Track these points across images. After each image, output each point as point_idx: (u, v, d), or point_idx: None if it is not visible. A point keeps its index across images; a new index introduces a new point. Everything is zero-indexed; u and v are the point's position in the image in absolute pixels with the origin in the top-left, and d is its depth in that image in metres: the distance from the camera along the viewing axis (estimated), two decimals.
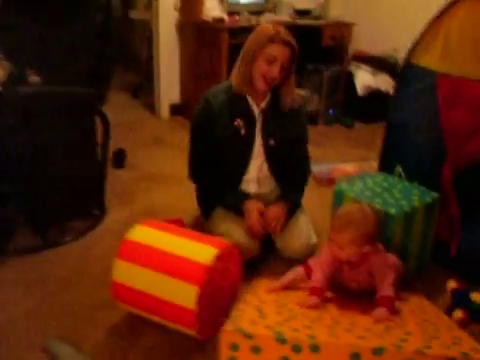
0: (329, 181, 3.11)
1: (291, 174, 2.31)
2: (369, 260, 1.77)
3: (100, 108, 2.36)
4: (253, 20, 3.78)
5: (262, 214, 2.16)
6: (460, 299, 1.77)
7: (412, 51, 2.21)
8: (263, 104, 2.18)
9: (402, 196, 2.11)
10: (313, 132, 2.44)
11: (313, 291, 1.75)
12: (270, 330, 1.36)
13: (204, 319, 1.66)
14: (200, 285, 1.61)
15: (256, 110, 2.18)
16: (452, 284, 1.84)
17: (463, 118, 2.01)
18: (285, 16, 4.02)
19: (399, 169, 2.33)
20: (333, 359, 1.33)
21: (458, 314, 1.70)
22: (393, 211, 1.97)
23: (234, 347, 1.34)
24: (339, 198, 2.15)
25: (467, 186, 2.11)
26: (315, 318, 1.55)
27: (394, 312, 1.66)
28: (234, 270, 1.86)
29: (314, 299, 1.72)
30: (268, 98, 2.19)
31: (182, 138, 3.70)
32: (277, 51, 2.01)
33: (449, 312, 1.77)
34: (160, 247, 1.73)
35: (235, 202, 2.20)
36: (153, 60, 4.13)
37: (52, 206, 2.27)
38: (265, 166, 2.26)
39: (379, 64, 4.21)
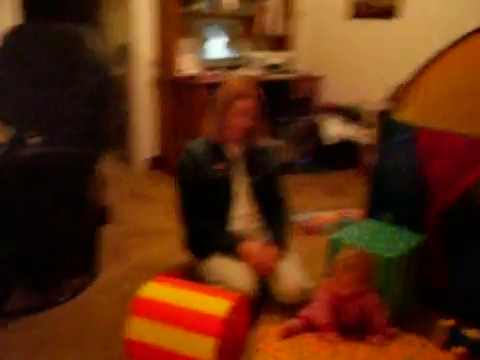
0: (313, 229, 3.22)
1: (276, 215, 2.48)
2: (363, 297, 2.02)
3: (96, 167, 2.41)
4: (228, 76, 3.95)
5: (261, 262, 2.26)
6: (455, 336, 1.87)
7: (393, 107, 2.41)
8: (240, 148, 2.41)
9: (393, 240, 2.24)
10: (288, 181, 2.62)
11: (327, 327, 1.94)
12: None
13: None
14: (216, 337, 1.65)
15: (234, 154, 2.40)
16: (445, 322, 1.94)
17: (445, 166, 2.19)
18: (257, 71, 4.22)
19: (389, 216, 2.47)
20: None
21: (458, 351, 1.79)
22: (390, 255, 2.10)
23: None
24: (336, 245, 2.25)
25: (451, 226, 2.27)
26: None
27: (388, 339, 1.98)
28: (243, 320, 1.91)
29: (333, 334, 1.96)
30: (243, 142, 2.40)
31: (162, 192, 3.79)
32: (245, 105, 2.26)
33: (445, 349, 1.86)
34: (174, 302, 1.76)
35: (231, 243, 2.31)
36: (128, 115, 4.22)
37: (50, 265, 2.26)
38: (249, 202, 2.43)
39: (347, 114, 4.47)
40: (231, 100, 2.27)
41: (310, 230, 3.22)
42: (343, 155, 4.48)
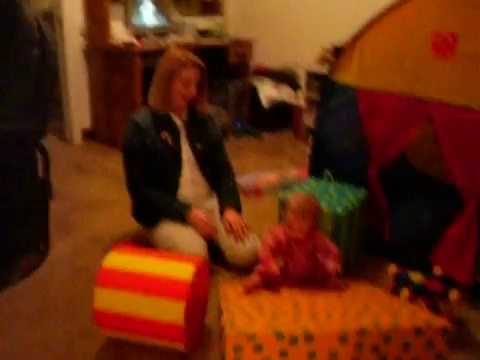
0: (256, 192, 3.32)
1: (222, 179, 2.58)
2: (314, 238, 2.08)
3: (40, 141, 2.32)
4: (161, 42, 3.89)
5: (209, 220, 2.38)
6: (402, 280, 2.04)
7: (332, 69, 2.50)
8: (184, 116, 2.47)
9: (339, 196, 2.37)
10: (226, 145, 2.70)
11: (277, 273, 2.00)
12: (268, 328, 1.51)
13: (188, 332, 1.75)
14: (185, 300, 1.70)
15: (178, 122, 2.45)
16: (392, 269, 2.11)
17: (382, 125, 2.33)
18: (189, 37, 4.18)
19: (328, 173, 2.60)
20: (325, 345, 1.51)
21: (405, 293, 1.96)
22: (340, 210, 2.24)
23: (238, 349, 1.47)
24: (282, 205, 2.35)
25: (389, 180, 2.44)
26: (294, 312, 1.71)
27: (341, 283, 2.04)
28: (205, 282, 1.98)
29: (273, 264, 1.99)
30: (186, 110, 2.46)
31: (100, 163, 3.73)
32: (190, 74, 2.33)
33: (394, 293, 2.03)
34: (139, 270, 1.78)
35: (179, 209, 2.38)
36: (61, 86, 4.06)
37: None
38: (196, 168, 2.50)
39: (280, 77, 4.55)
40: (176, 70, 2.31)
41: (253, 192, 3.31)
42: (278, 117, 4.59)
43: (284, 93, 4.48)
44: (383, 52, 2.28)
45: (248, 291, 2.01)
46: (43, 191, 2.46)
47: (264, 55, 4.73)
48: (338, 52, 3.84)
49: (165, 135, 2.40)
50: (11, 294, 2.15)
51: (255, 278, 2.13)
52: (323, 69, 4.01)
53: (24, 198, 2.29)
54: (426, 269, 2.21)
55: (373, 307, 1.74)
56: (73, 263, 2.43)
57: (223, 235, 2.41)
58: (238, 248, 2.35)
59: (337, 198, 2.36)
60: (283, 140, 4.47)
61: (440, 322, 1.60)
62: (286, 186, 3.38)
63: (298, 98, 4.44)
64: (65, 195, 3.17)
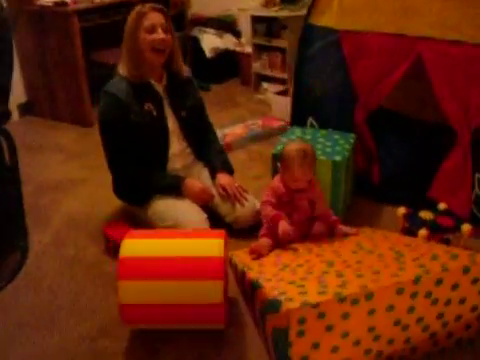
0: (226, 147, 3.18)
1: (208, 142, 2.45)
2: (311, 188, 2.05)
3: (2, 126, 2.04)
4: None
5: (204, 189, 2.26)
6: (415, 221, 2.06)
7: (309, 13, 2.38)
8: (163, 81, 2.26)
9: (331, 143, 2.32)
10: None
11: (274, 219, 1.98)
12: (328, 294, 1.45)
13: (225, 310, 1.67)
14: (222, 278, 1.60)
15: (160, 89, 2.24)
16: (402, 210, 2.12)
17: (369, 67, 2.27)
18: None
19: (311, 120, 2.54)
20: (383, 300, 1.48)
21: (423, 233, 1.98)
22: (339, 158, 2.19)
23: (302, 321, 1.40)
24: (276, 160, 2.26)
25: (377, 123, 2.42)
26: (333, 271, 1.66)
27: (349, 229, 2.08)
28: (226, 255, 1.88)
29: (284, 224, 1.96)
30: (165, 75, 2.26)
31: (51, 139, 3.41)
32: (152, 19, 2.12)
33: (408, 234, 2.05)
34: (163, 254, 1.65)
35: (172, 182, 2.23)
36: None
37: None
38: (182, 137, 2.34)
39: (220, 25, 4.33)
40: (137, 19, 2.10)
41: (225, 147, 3.19)
42: (223, 67, 4.40)
43: (227, 41, 4.29)
44: None
45: (261, 255, 1.95)
46: (14, 180, 2.20)
47: (201, 3, 4.46)
48: None
49: (149, 106, 2.19)
50: (6, 300, 1.94)
51: (266, 240, 2.06)
52: (268, 12, 3.87)
53: None
54: (421, 206, 2.26)
55: (408, 253, 1.73)
56: (60, 255, 2.21)
57: (219, 201, 2.30)
58: (238, 211, 2.27)
59: (330, 146, 2.31)
60: (232, 90, 4.32)
61: None
62: (254, 138, 3.30)
63: (242, 45, 4.27)
64: (25, 179, 2.84)
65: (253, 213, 2.28)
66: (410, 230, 2.05)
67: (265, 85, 4.14)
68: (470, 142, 2.15)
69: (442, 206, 2.12)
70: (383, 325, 1.53)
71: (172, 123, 2.27)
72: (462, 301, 1.60)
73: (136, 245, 1.69)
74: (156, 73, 2.22)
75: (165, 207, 2.19)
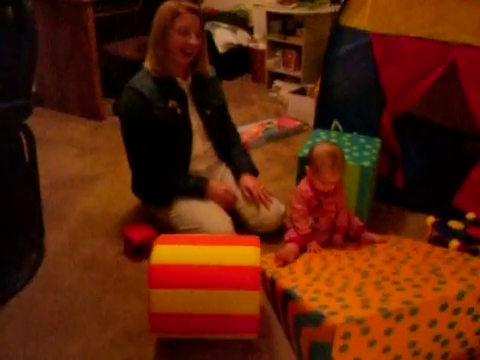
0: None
1: (232, 143, 2.39)
2: (339, 190, 2.05)
3: (24, 122, 1.98)
4: None
5: (228, 190, 2.21)
6: (446, 231, 2.02)
7: (341, 14, 2.32)
8: (189, 79, 2.19)
9: (357, 147, 2.27)
10: None
11: (306, 238, 2.01)
12: (372, 309, 1.41)
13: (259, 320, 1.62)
14: (259, 288, 1.56)
15: (185, 87, 2.17)
16: (431, 219, 2.08)
17: (399, 71, 2.22)
18: None
19: (336, 123, 2.49)
20: (427, 316, 1.44)
21: (455, 243, 1.95)
22: (367, 163, 2.14)
23: (346, 336, 1.35)
24: (305, 163, 2.21)
25: (401, 127, 2.38)
26: (370, 283, 1.62)
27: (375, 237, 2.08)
28: None
29: (314, 244, 2.00)
30: (190, 72, 2.19)
31: (62, 132, 3.34)
32: (187, 21, 2.03)
33: (437, 244, 2.01)
34: (196, 262, 1.58)
35: (196, 184, 2.17)
36: None
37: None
38: (207, 137, 2.28)
39: (233, 20, 4.25)
40: (169, 21, 2.00)
41: None
42: (235, 63, 4.34)
43: (240, 37, 4.22)
44: None
45: (288, 262, 1.92)
46: (32, 178, 2.13)
47: None
48: None
49: (173, 103, 2.12)
50: (25, 302, 1.88)
51: (293, 246, 2.02)
52: (285, 9, 3.80)
53: (16, 187, 1.97)
54: (445, 214, 2.23)
55: (444, 266, 1.69)
56: (78, 255, 2.15)
57: (243, 203, 2.25)
58: (263, 214, 2.21)
59: (357, 150, 2.26)
60: (245, 87, 4.25)
61: None
62: (270, 137, 3.25)
63: (256, 41, 4.20)
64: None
65: (278, 217, 2.23)
66: (440, 240, 2.01)
67: (278, 83, 4.08)
68: None
69: (470, 216, 2.09)
70: (423, 340, 1.49)
71: (196, 122, 2.21)
72: None
73: (167, 251, 1.63)
74: (181, 71, 2.16)
75: (188, 209, 2.13)
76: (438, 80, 2.20)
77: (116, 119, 3.44)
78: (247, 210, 2.23)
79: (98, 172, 2.81)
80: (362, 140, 2.36)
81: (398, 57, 2.20)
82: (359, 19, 2.27)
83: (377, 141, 2.35)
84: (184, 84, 2.17)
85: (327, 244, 2.11)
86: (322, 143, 2.11)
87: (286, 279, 1.76)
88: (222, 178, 2.32)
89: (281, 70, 4.07)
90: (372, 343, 1.40)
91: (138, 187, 2.30)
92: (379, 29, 2.22)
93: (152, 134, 2.10)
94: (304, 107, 3.45)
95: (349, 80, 2.38)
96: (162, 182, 2.18)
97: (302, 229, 2.04)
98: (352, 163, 2.14)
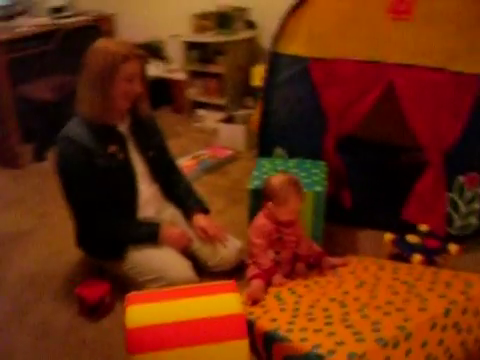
0: None
1: (177, 182, 2.29)
2: (296, 219, 2.06)
3: None
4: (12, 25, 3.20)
5: (183, 233, 2.12)
6: (407, 246, 2.07)
7: (276, 41, 2.32)
8: (126, 121, 2.07)
9: (305, 173, 2.28)
10: None
11: (269, 272, 1.98)
12: (367, 341, 1.38)
13: None
14: (247, 336, 1.48)
15: (123, 130, 2.05)
16: (389, 236, 2.12)
17: (339, 95, 2.27)
18: (44, 18, 3.52)
19: (279, 150, 2.49)
20: (419, 338, 1.44)
21: (418, 258, 1.99)
22: (320, 188, 2.15)
23: None
24: (257, 194, 2.17)
25: (343, 147, 2.43)
26: (352, 313, 1.60)
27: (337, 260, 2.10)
28: None
29: (278, 277, 1.97)
30: (127, 114, 2.07)
31: None
32: (135, 68, 1.92)
33: (399, 260, 2.04)
34: (176, 319, 1.47)
35: (149, 231, 2.04)
36: None
37: None
38: (152, 180, 2.17)
39: (147, 51, 4.15)
40: (116, 66, 1.85)
41: None
42: (153, 94, 4.21)
43: (158, 68, 4.13)
44: (335, 18, 2.19)
45: (258, 300, 1.86)
46: None
47: (126, 31, 4.26)
48: (222, 18, 3.71)
49: (113, 149, 1.97)
50: None
51: (259, 283, 1.97)
52: (203, 38, 3.79)
53: None
54: (394, 228, 2.30)
55: (417, 283, 1.72)
56: (27, 323, 1.92)
57: (198, 245, 2.15)
58: (221, 253, 2.13)
59: (306, 176, 2.27)
60: (167, 119, 4.14)
61: None
62: (206, 169, 3.18)
63: (174, 71, 4.13)
64: None
65: (237, 253, 2.17)
66: (401, 256, 2.05)
67: (201, 112, 4.03)
68: (443, 164, 2.21)
69: (424, 228, 2.16)
70: None
71: (140, 165, 2.08)
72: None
73: (143, 311, 1.50)
74: (120, 114, 2.03)
75: (144, 259, 2.00)
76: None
77: (39, 166, 3.25)
78: (203, 251, 2.15)
79: (30, 226, 2.57)
80: (307, 165, 2.37)
81: (337, 80, 2.25)
82: (296, 45, 2.29)
83: (322, 164, 2.38)
84: (123, 127, 2.04)
85: (290, 274, 2.08)
86: (277, 175, 2.08)
87: (263, 319, 1.69)
88: (173, 220, 2.21)
89: (203, 99, 4.04)
90: None
91: (86, 242, 2.12)
92: (316, 54, 2.25)
93: (95, 184, 1.95)
94: (235, 135, 3.43)
95: (289, 106, 2.39)
96: (111, 233, 2.03)
97: (264, 263, 2.00)
98: (305, 190, 2.14)
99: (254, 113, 3.66)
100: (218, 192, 2.94)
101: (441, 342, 1.51)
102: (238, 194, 2.93)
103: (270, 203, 1.98)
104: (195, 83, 4.03)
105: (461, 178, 2.23)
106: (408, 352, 1.43)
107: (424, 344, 1.47)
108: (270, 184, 2.02)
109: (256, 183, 2.22)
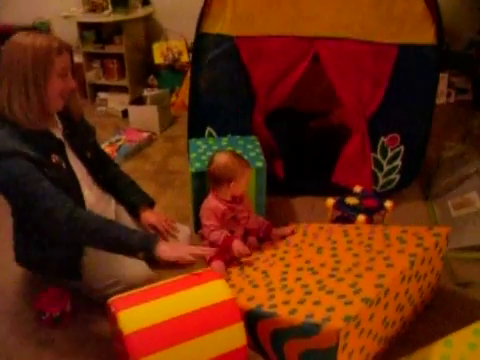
0: None
1: (115, 177, 2.16)
2: (244, 194, 2.12)
3: None
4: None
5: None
6: (345, 208, 2.22)
7: (201, 22, 2.29)
8: (59, 124, 1.88)
9: (242, 150, 2.32)
10: None
11: (226, 245, 2.02)
12: (355, 303, 1.49)
13: None
14: (241, 319, 1.52)
15: (59, 135, 1.86)
16: (330, 201, 2.25)
17: (267, 70, 2.32)
18: None
19: (209, 129, 2.50)
20: (393, 291, 1.60)
21: (362, 218, 2.13)
22: (260, 164, 2.22)
23: (347, 335, 1.43)
24: (200, 176, 2.19)
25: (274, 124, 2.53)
26: (319, 281, 1.71)
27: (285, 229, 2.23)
28: None
29: (237, 243, 2.02)
30: (58, 116, 1.89)
31: None
32: (66, 61, 1.73)
33: (342, 222, 2.19)
34: (171, 316, 1.46)
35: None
36: None
37: None
38: (93, 183, 2.02)
39: None
40: (50, 62, 1.65)
41: None
42: None
43: None
44: None
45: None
46: None
47: (9, 12, 3.86)
48: None
49: (55, 158, 1.77)
50: None
51: (219, 264, 2.02)
52: (99, 17, 3.59)
53: None
54: (327, 192, 2.47)
55: (374, 244, 1.84)
56: None
57: None
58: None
59: (243, 152, 2.30)
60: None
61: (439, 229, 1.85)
62: (127, 155, 3.09)
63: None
64: None
65: (188, 241, 2.16)
66: (345, 218, 2.20)
67: (102, 95, 3.85)
68: (367, 128, 2.39)
69: (357, 189, 2.32)
70: (391, 313, 1.65)
71: (80, 171, 1.91)
72: (432, 270, 1.83)
73: (136, 314, 1.47)
74: (53, 117, 1.85)
75: (97, 264, 1.88)
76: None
77: None
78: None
79: None
80: (240, 141, 2.42)
81: (265, 57, 2.29)
82: (221, 25, 2.28)
83: (253, 139, 2.44)
84: (57, 132, 1.84)
85: None
86: (220, 153, 2.10)
87: (240, 299, 1.73)
88: (118, 218, 2.11)
89: (104, 81, 3.85)
90: (361, 332, 1.51)
91: (28, 260, 1.97)
92: (243, 32, 2.26)
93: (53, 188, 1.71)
94: (147, 117, 3.35)
95: (218, 85, 2.40)
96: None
97: (218, 238, 2.03)
98: None
99: (179, 94, 3.63)
100: (145, 178, 2.88)
101: (407, 291, 1.69)
102: (165, 177, 2.90)
103: (232, 183, 2.01)
104: (93, 65, 3.82)
105: (383, 139, 2.43)
106: (386, 306, 1.59)
107: (396, 296, 1.64)
108: (217, 167, 2.04)
109: (197, 165, 2.22)
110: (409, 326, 1.82)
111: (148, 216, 2.09)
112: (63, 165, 1.80)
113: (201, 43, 2.34)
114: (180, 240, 2.10)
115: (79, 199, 1.86)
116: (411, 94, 2.32)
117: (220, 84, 2.40)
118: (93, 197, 1.98)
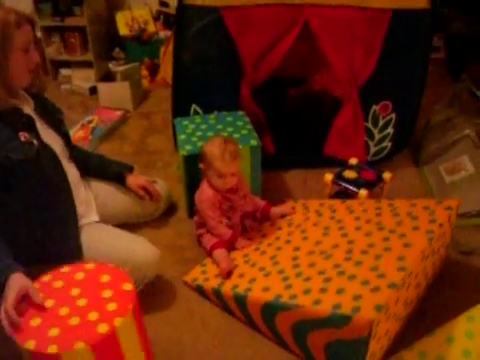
0: None
1: (84, 155, 2.09)
2: (240, 179, 2.02)
3: None
4: None
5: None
6: (345, 182, 2.14)
7: None
8: (30, 101, 1.76)
9: (232, 128, 2.22)
10: None
11: (232, 239, 1.98)
12: (382, 289, 1.44)
13: None
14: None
15: (29, 111, 1.73)
16: (329, 176, 2.18)
17: (256, 40, 2.19)
18: None
19: (195, 107, 2.37)
20: (415, 272, 1.56)
21: (364, 193, 2.08)
22: (254, 142, 2.11)
23: (378, 324, 1.39)
24: (192, 158, 2.06)
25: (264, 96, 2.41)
26: (336, 265, 1.65)
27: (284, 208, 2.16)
28: None
29: (241, 241, 1.99)
30: (25, 94, 1.76)
31: None
32: (28, 35, 1.61)
33: (343, 197, 2.12)
34: None
35: None
36: None
37: None
38: (69, 160, 1.90)
39: None
40: (11, 34, 1.53)
41: None
42: None
43: None
44: None
45: (231, 270, 1.85)
46: None
47: None
48: None
49: (25, 136, 1.62)
50: None
51: (224, 252, 1.95)
52: None
53: None
54: (319, 164, 2.41)
55: (384, 221, 1.79)
56: None
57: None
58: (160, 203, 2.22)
59: (234, 131, 2.21)
60: None
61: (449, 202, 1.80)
62: (101, 137, 2.90)
63: None
64: None
65: (169, 195, 2.30)
66: (345, 193, 2.14)
67: (65, 72, 3.60)
68: (359, 96, 2.31)
69: (353, 161, 2.26)
70: (411, 293, 1.63)
71: (57, 145, 1.79)
72: (444, 244, 1.81)
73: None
74: (20, 93, 1.72)
75: (99, 244, 1.77)
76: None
77: None
78: (148, 207, 2.18)
79: None
80: (229, 118, 2.30)
81: (253, 27, 2.15)
82: None
83: (242, 114, 2.33)
84: (28, 108, 1.72)
85: (243, 234, 2.07)
86: (213, 140, 1.95)
87: (255, 291, 1.67)
88: (99, 194, 2.04)
89: (65, 57, 3.58)
90: (388, 317, 1.47)
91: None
92: (228, 2, 2.11)
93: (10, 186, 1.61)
94: (119, 94, 3.15)
95: (203, 60, 2.25)
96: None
97: (224, 233, 1.97)
98: (241, 145, 2.07)
99: (160, 71, 3.43)
100: (125, 160, 2.69)
101: (424, 269, 1.66)
102: (146, 158, 2.76)
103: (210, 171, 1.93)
104: (53, 40, 3.54)
105: (375, 107, 2.37)
106: (408, 287, 1.56)
107: (416, 275, 1.60)
108: (209, 151, 1.91)
109: (188, 148, 2.10)
110: (423, 300, 1.81)
111: (135, 179, 2.12)
112: (34, 142, 1.65)
113: (184, 15, 2.16)
114: (164, 195, 2.23)
115: (60, 173, 1.75)
116: (404, 60, 2.25)
117: (206, 58, 2.24)
118: (74, 172, 1.88)
